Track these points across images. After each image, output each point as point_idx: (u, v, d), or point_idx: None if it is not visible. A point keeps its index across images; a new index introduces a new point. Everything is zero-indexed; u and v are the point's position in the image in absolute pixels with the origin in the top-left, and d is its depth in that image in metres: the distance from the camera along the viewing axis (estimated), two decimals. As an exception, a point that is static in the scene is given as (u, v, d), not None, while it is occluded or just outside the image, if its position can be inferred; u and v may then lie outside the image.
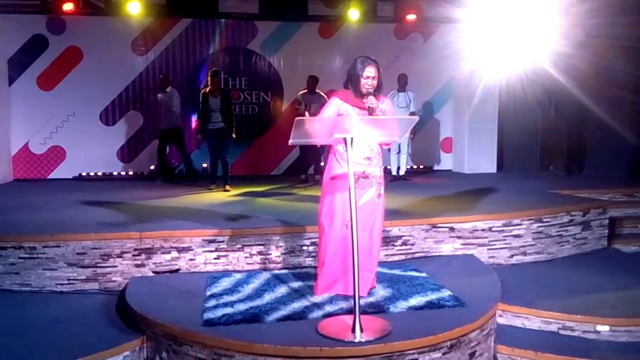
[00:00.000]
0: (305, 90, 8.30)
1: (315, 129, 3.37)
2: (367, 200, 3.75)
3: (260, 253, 4.67)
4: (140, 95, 9.47)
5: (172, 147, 8.91)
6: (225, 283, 4.18)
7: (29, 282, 4.41)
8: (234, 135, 7.74)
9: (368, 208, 3.75)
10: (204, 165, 9.44)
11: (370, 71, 3.66)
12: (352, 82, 3.73)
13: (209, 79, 7.65)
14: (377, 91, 3.73)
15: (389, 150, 8.70)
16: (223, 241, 4.62)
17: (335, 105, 3.76)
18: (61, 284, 4.42)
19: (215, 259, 4.61)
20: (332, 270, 3.82)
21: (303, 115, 7.48)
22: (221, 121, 7.60)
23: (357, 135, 3.30)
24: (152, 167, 9.51)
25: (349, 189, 3.56)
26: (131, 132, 9.44)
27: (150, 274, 4.51)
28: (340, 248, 3.76)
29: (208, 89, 7.64)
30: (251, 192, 7.45)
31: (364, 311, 3.37)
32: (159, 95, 8.50)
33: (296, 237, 4.67)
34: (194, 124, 9.35)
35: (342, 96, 3.78)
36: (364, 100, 3.68)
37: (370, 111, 3.62)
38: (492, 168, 9.98)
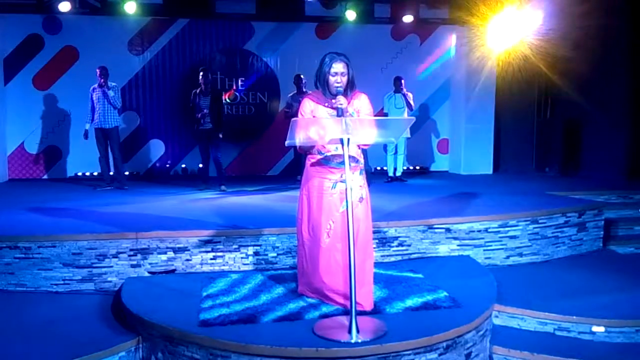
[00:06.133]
0: (295, 92, 8.37)
1: (311, 129, 3.30)
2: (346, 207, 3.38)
3: (256, 254, 4.66)
4: (136, 96, 9.47)
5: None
6: (221, 283, 4.17)
7: (24, 283, 4.39)
8: (220, 135, 7.61)
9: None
10: (200, 165, 9.43)
11: (338, 67, 3.47)
12: (320, 81, 3.56)
13: (200, 76, 7.55)
14: (349, 89, 3.53)
15: (385, 151, 8.74)
16: (219, 241, 4.61)
17: (308, 108, 3.59)
18: (56, 284, 4.40)
19: (211, 259, 4.60)
20: (328, 285, 3.61)
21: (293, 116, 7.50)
22: (209, 121, 7.54)
23: (354, 136, 3.28)
24: (156, 165, 9.55)
25: (331, 194, 3.51)
26: (127, 132, 9.41)
27: (146, 274, 4.49)
28: (326, 259, 3.57)
29: (199, 89, 7.60)
30: (247, 193, 7.45)
31: (360, 312, 3.37)
32: (106, 90, 7.50)
33: (292, 237, 4.65)
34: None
35: (314, 97, 3.63)
36: (333, 100, 3.44)
37: (340, 112, 3.35)
38: (488, 169, 10.02)
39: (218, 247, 4.61)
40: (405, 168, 9.06)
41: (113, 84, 7.68)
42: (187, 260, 4.57)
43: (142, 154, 9.57)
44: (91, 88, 7.67)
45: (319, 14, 9.69)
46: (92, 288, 4.44)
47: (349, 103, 3.55)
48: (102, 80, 7.50)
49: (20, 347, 3.35)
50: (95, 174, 9.26)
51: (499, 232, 5.21)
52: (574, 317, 3.88)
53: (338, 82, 3.48)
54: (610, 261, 5.51)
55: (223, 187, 7.57)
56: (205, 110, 7.48)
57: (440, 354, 3.21)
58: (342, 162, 3.37)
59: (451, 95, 10.34)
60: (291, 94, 8.47)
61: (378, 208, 5.55)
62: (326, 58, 3.54)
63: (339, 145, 3.36)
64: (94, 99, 7.62)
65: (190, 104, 7.68)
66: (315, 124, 3.38)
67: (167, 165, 9.66)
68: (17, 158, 9.17)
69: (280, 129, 8.79)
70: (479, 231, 5.15)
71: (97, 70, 7.55)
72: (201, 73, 7.58)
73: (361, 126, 3.36)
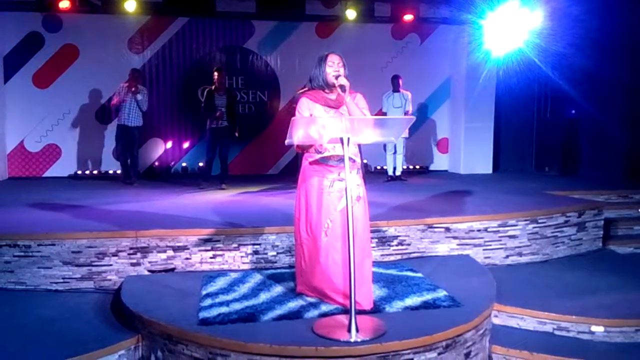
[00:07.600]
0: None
1: (311, 128, 3.29)
2: (344, 205, 3.36)
3: (256, 252, 4.66)
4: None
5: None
6: (221, 282, 4.18)
7: (23, 281, 4.39)
8: (237, 134, 7.72)
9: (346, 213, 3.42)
10: (200, 164, 9.43)
11: (334, 58, 3.57)
12: (317, 78, 3.60)
13: (215, 75, 7.61)
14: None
15: (385, 150, 8.73)
16: (219, 240, 4.61)
17: (306, 106, 3.60)
18: (56, 283, 4.40)
19: (211, 258, 4.60)
20: (327, 283, 3.61)
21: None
22: (225, 120, 7.59)
23: (353, 135, 3.27)
24: (156, 164, 9.59)
25: (329, 192, 3.52)
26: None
27: (146, 272, 4.50)
28: (324, 258, 3.57)
29: (214, 86, 7.62)
30: (248, 191, 7.45)
31: (360, 311, 3.37)
32: (138, 95, 7.94)
33: (292, 236, 4.64)
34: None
35: (311, 96, 3.64)
36: (334, 83, 3.51)
37: (343, 89, 3.45)
38: (488, 169, 10.01)
39: (218, 245, 4.61)
40: (404, 167, 9.06)
41: (142, 87, 8.09)
42: (187, 258, 4.57)
43: (142, 152, 9.52)
44: (120, 86, 8.02)
45: (319, 12, 9.71)
46: (92, 286, 4.44)
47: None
48: (133, 84, 7.88)
49: (19, 346, 3.35)
50: (95, 172, 9.29)
51: (498, 231, 5.22)
52: (573, 316, 3.88)
53: (336, 70, 3.54)
54: (610, 261, 5.51)
55: (224, 186, 7.59)
56: (222, 109, 7.56)
57: (439, 353, 3.22)
58: (340, 161, 3.39)
59: (451, 95, 10.34)
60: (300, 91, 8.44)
61: (378, 207, 5.57)
62: (318, 57, 3.63)
63: (337, 145, 3.37)
64: (121, 95, 7.95)
65: (203, 103, 7.69)
66: (315, 123, 3.37)
67: (171, 164, 9.67)
68: (16, 156, 9.16)
69: (280, 128, 8.79)
70: (479, 230, 5.15)
71: (130, 73, 7.99)
72: (216, 73, 7.65)
73: (360, 125, 3.35)
